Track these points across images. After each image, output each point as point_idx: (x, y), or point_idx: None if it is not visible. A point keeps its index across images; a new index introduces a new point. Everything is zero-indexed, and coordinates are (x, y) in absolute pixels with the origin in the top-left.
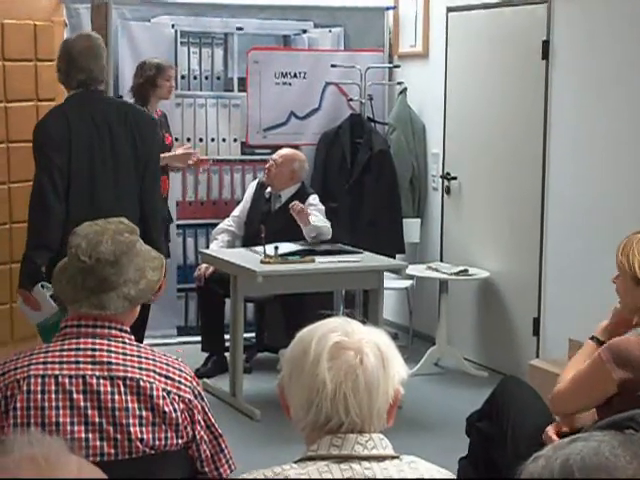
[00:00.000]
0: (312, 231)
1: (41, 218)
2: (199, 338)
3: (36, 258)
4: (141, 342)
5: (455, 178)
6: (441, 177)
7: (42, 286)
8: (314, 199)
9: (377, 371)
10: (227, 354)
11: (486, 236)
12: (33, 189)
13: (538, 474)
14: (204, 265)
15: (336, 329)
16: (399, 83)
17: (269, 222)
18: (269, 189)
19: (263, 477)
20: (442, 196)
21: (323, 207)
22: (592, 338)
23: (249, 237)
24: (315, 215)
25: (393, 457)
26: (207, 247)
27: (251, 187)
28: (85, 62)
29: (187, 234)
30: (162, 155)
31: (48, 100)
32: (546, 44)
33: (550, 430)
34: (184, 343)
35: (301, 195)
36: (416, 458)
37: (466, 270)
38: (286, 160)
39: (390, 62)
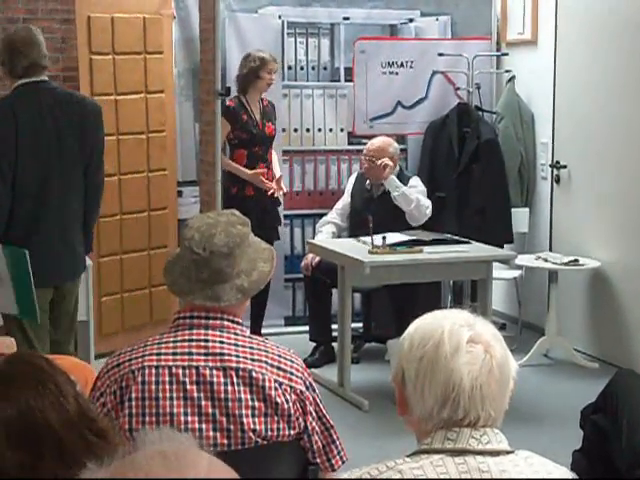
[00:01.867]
0: (395, 189)
1: None
2: (306, 328)
3: None
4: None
5: (565, 167)
6: (550, 166)
7: None
8: (415, 180)
9: (505, 363)
10: (335, 344)
11: (597, 225)
12: None
13: None
14: (310, 255)
15: (462, 322)
16: (507, 71)
17: (373, 209)
18: (369, 180)
19: (377, 471)
20: (551, 185)
21: (424, 188)
22: None
23: (355, 227)
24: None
25: (508, 452)
26: (314, 237)
27: (351, 179)
28: (26, 49)
29: (294, 224)
30: (241, 170)
31: (157, 92)
32: None
33: None
34: (292, 333)
35: (402, 179)
36: (531, 453)
37: (576, 260)
38: (382, 150)
39: (498, 50)
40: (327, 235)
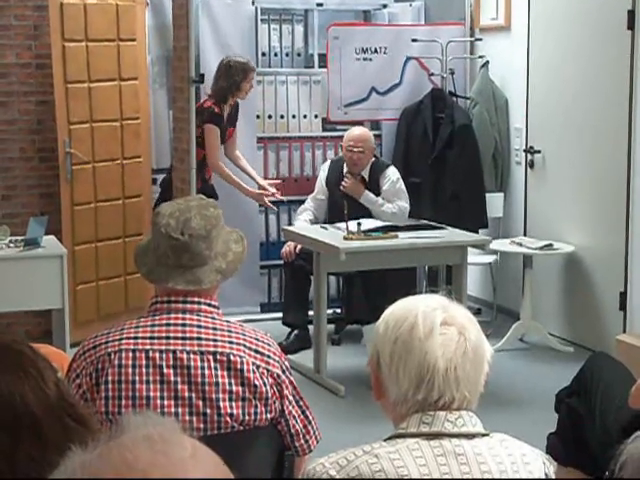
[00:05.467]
0: (370, 205)
1: None
2: (282, 315)
3: None
4: None
5: (539, 151)
6: (524, 151)
7: None
8: (393, 173)
9: (479, 345)
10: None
11: (571, 210)
12: None
13: (639, 454)
14: (292, 243)
15: (436, 305)
16: (481, 57)
17: (350, 198)
18: (346, 169)
19: (353, 455)
20: (525, 170)
21: (401, 182)
22: None
23: (334, 218)
24: (387, 203)
25: (483, 435)
26: (289, 224)
27: (324, 167)
28: None
29: (269, 211)
30: (243, 187)
31: (131, 79)
32: (631, 14)
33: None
34: (267, 319)
35: (379, 168)
36: (507, 436)
37: (551, 244)
38: (366, 141)
39: (471, 35)
40: (305, 222)
